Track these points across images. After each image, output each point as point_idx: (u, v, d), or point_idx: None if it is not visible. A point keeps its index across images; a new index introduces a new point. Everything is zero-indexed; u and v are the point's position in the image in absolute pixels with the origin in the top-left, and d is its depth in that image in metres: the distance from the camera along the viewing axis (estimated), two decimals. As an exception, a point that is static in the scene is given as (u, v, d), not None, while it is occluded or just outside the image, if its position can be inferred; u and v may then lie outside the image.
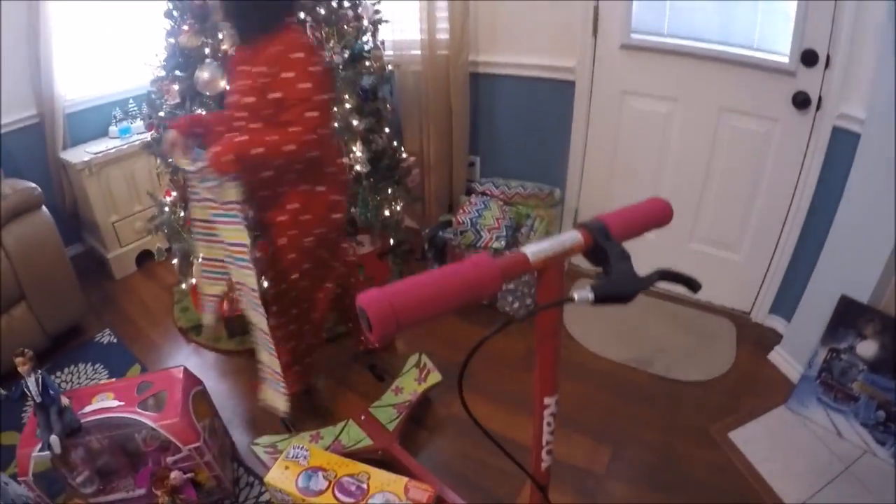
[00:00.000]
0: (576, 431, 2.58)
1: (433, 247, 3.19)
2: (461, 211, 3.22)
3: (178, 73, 2.74)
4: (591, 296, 1.01)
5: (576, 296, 1.01)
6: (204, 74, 2.64)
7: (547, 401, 1.26)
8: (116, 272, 3.88)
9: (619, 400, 2.78)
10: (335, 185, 2.27)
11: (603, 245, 1.11)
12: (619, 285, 1.05)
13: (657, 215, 1.31)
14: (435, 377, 2.57)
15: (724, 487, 2.41)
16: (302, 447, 2.08)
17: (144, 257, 3.97)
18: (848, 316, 2.59)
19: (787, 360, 2.95)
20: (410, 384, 2.56)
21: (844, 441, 2.61)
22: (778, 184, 2.94)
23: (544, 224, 3.19)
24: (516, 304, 3.16)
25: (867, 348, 2.55)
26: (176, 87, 2.76)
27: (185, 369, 2.36)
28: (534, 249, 1.06)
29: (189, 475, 2.21)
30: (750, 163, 3.00)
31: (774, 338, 3.08)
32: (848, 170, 2.53)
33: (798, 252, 2.98)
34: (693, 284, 1.18)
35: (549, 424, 1.30)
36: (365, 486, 1.96)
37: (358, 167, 2.84)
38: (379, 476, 1.99)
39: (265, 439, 2.39)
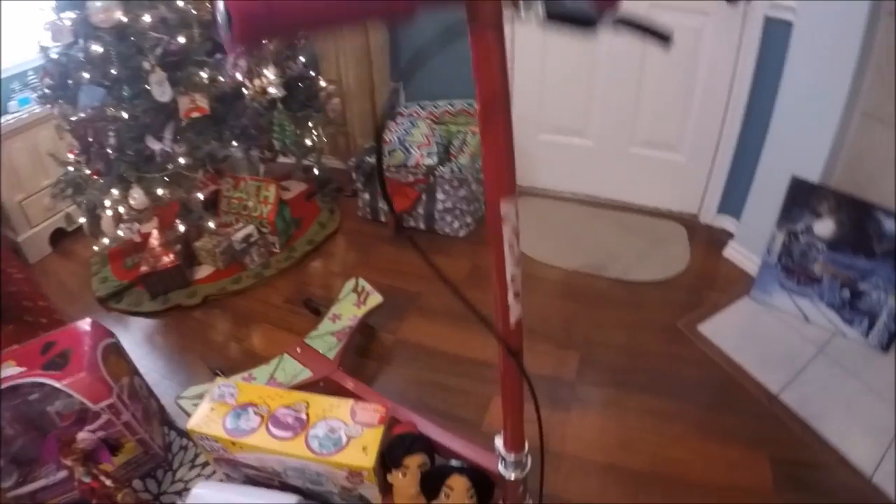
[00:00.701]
0: (538, 342, 2.25)
1: (361, 173, 2.78)
2: (387, 130, 2.83)
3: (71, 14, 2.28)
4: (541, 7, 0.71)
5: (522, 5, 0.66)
6: (97, 4, 2.19)
7: (504, 208, 0.89)
8: (30, 255, 3.33)
9: (577, 306, 2.46)
10: None
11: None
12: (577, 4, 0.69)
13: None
14: (375, 299, 2.18)
15: (703, 380, 2.15)
16: (229, 384, 1.67)
17: (59, 236, 3.44)
18: (801, 196, 2.36)
19: (743, 254, 2.68)
20: (349, 309, 2.16)
21: (812, 325, 2.39)
22: (714, 78, 2.68)
23: (477, 139, 2.82)
24: (456, 224, 2.79)
25: (824, 227, 2.32)
26: (68, 24, 2.30)
27: (93, 321, 1.92)
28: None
29: (100, 434, 1.76)
30: (684, 59, 2.71)
31: (726, 237, 2.81)
32: (783, 58, 2.34)
33: (741, 145, 2.72)
34: (663, 36, 0.83)
35: (511, 248, 0.92)
36: (304, 415, 1.56)
37: (272, 90, 2.42)
38: (319, 402, 1.60)
39: (191, 390, 1.97)
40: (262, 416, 1.56)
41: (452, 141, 2.78)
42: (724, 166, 2.78)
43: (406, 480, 1.45)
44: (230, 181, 2.67)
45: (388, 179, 2.75)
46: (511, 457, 1.34)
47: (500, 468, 1.40)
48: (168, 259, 2.50)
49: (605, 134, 2.92)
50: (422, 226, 2.82)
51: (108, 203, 2.37)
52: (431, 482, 1.44)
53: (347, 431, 1.50)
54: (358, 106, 2.91)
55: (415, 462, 1.45)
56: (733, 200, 2.81)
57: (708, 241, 2.83)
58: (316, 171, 2.79)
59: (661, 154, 2.90)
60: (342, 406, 1.57)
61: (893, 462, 1.78)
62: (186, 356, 2.27)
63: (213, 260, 2.58)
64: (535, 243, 2.81)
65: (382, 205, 2.81)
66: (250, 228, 2.58)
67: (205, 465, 1.91)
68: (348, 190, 3.05)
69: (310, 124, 2.67)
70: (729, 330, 2.36)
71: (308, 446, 1.48)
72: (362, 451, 1.46)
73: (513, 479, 1.38)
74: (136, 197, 2.32)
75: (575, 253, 2.75)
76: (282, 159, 2.85)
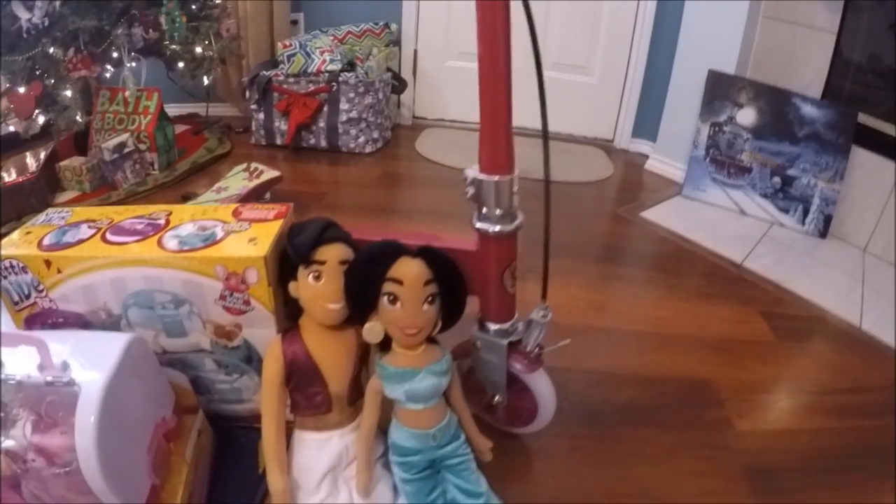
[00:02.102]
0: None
1: (256, 88, 2.11)
2: (287, 38, 2.18)
3: None
4: None
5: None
6: None
7: None
8: None
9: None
10: None
11: None
12: None
13: None
14: (270, 174, 1.50)
15: (662, 252, 1.71)
16: (62, 210, 0.93)
17: None
18: (720, 88, 2.04)
19: (666, 162, 2.29)
20: (238, 182, 1.48)
21: (749, 217, 2.01)
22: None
23: (384, 54, 2.23)
24: (361, 139, 2.16)
25: (746, 116, 1.99)
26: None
27: None
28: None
29: None
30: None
31: (643, 159, 2.37)
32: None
33: (652, 62, 2.32)
34: None
35: None
36: (162, 221, 0.85)
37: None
38: (188, 209, 0.91)
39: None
40: (98, 229, 0.84)
41: (357, 56, 2.17)
42: (636, 85, 2.40)
43: (323, 285, 0.76)
44: (106, 94, 1.93)
45: (285, 91, 2.09)
46: (493, 180, 0.71)
47: (476, 220, 0.77)
48: (25, 175, 1.71)
49: (514, 57, 2.41)
50: (323, 143, 2.17)
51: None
52: (364, 282, 0.75)
53: (226, 227, 0.82)
54: (254, 30, 2.27)
55: (333, 254, 0.77)
56: (647, 124, 2.40)
57: (626, 161, 2.40)
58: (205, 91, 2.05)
59: (573, 77, 2.47)
60: (221, 210, 0.88)
61: (874, 314, 1.49)
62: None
63: (78, 182, 1.81)
64: (449, 155, 2.26)
65: (279, 124, 2.13)
66: (125, 137, 1.83)
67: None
68: (240, 126, 2.34)
69: (201, 31, 1.99)
70: (673, 218, 1.93)
71: (162, 246, 0.78)
72: (248, 243, 0.77)
73: (497, 231, 0.74)
74: (-10, 77, 1.57)
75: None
76: (172, 108, 2.14)
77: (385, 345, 0.79)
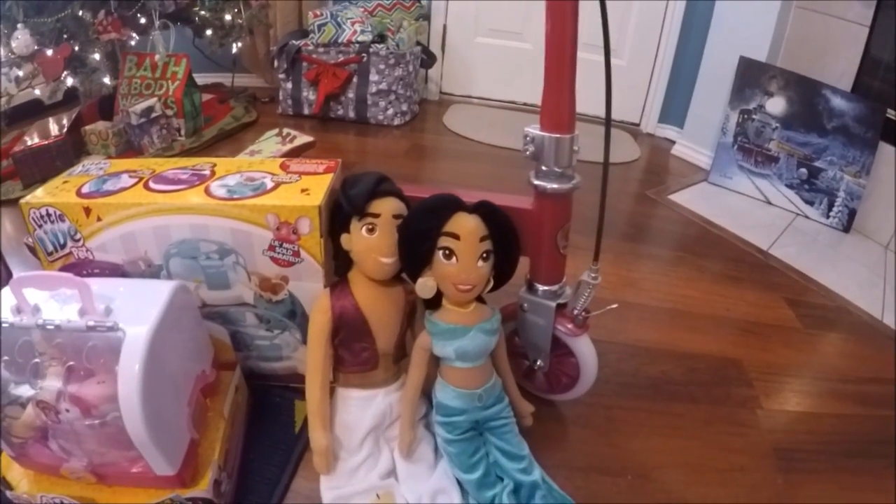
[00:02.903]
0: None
1: (285, 58, 2.08)
2: (318, 8, 2.15)
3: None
4: None
5: None
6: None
7: None
8: None
9: (535, 173, 1.89)
10: None
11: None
12: None
13: None
14: (304, 139, 1.48)
15: (690, 235, 1.69)
16: (101, 161, 0.92)
17: None
18: (751, 75, 2.00)
19: (692, 148, 2.27)
20: (271, 147, 1.47)
21: (775, 207, 1.98)
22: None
23: (414, 27, 2.21)
24: (390, 111, 2.16)
25: (776, 105, 1.96)
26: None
27: None
28: None
29: None
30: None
31: (669, 145, 2.35)
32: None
33: (681, 46, 2.29)
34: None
35: None
36: (207, 172, 0.84)
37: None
38: (234, 162, 0.91)
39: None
40: (140, 178, 0.83)
41: (388, 28, 2.14)
42: (665, 69, 2.36)
43: (376, 238, 0.75)
44: (133, 59, 1.91)
45: (314, 61, 2.07)
46: (553, 137, 0.71)
47: (534, 177, 0.76)
48: (50, 137, 1.69)
49: (541, 36, 2.39)
50: (351, 114, 2.17)
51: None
52: (419, 235, 0.74)
53: (276, 179, 0.80)
54: (283, 4, 2.24)
55: (388, 208, 0.76)
56: (674, 110, 2.38)
57: (652, 145, 2.38)
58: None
59: (601, 58, 2.39)
60: (268, 163, 0.87)
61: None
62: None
63: (104, 146, 1.79)
64: (478, 130, 2.22)
65: (307, 94, 2.11)
66: (152, 101, 1.82)
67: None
68: (265, 96, 2.32)
69: (230, 1, 1.97)
70: (698, 202, 1.91)
71: (210, 194, 0.76)
72: (301, 193, 0.76)
73: (554, 189, 0.74)
74: (20, 38, 1.55)
75: (521, 138, 2.17)
76: (197, 77, 2.11)
77: (433, 303, 0.78)
